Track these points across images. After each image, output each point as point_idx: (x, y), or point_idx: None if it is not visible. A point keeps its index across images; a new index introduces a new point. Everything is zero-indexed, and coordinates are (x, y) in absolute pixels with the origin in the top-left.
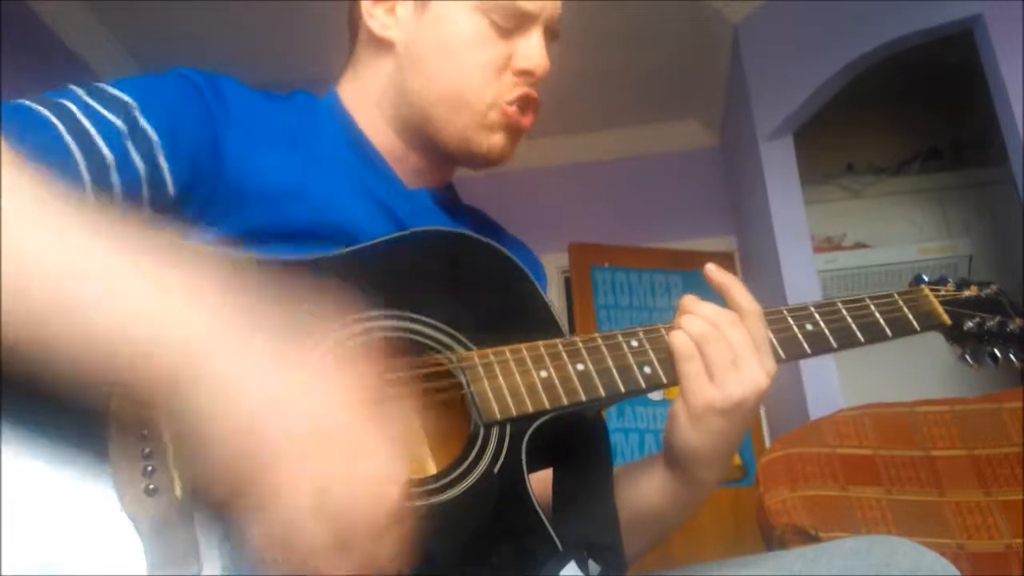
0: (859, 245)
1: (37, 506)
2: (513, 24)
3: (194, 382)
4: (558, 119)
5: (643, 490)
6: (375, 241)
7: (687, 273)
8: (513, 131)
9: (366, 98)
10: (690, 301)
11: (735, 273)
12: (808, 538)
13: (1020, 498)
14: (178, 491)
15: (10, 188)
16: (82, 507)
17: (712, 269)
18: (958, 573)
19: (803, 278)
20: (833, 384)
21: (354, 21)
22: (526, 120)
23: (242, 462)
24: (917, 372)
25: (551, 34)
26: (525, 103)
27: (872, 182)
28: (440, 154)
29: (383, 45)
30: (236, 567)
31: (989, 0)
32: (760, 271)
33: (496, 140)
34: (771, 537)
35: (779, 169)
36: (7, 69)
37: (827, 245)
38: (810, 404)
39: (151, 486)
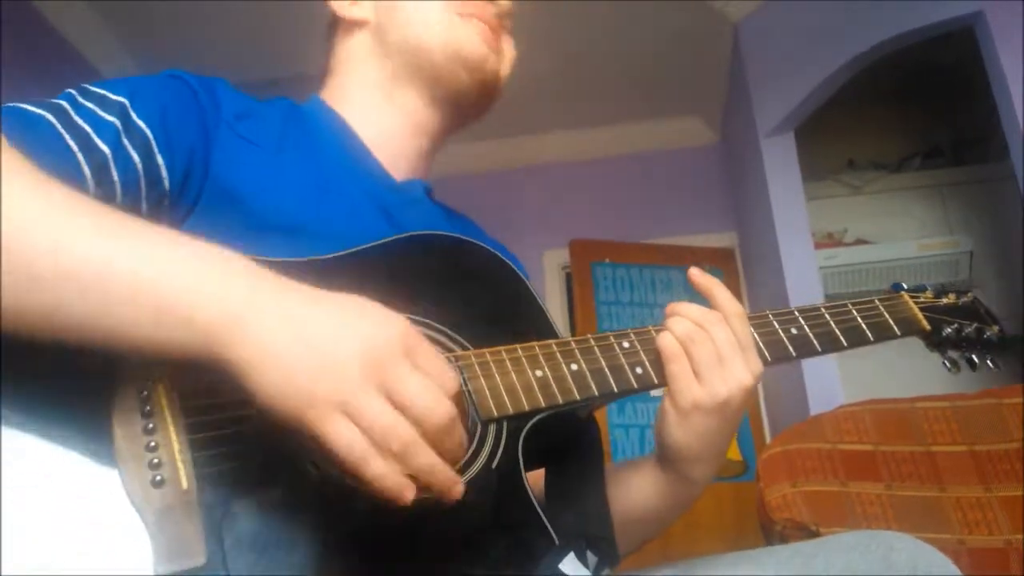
0: (860, 241)
1: (42, 499)
2: None
3: (264, 314)
4: (559, 115)
5: (636, 488)
6: (372, 244)
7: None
8: (488, 42)
9: (351, 88)
10: (677, 304)
11: (737, 269)
12: (809, 533)
13: (1020, 494)
14: (184, 482)
15: (19, 171)
16: (88, 499)
17: (695, 273)
18: (955, 569)
19: (804, 274)
20: (834, 380)
21: (330, 28)
22: (498, 38)
23: (315, 379)
24: (917, 368)
25: None
26: (495, 24)
27: (873, 178)
28: (440, 92)
29: (357, 26)
30: (238, 558)
31: None
32: (761, 267)
33: (470, 36)
34: (772, 532)
35: (780, 165)
36: (8, 67)
37: (828, 241)
38: (811, 400)
39: (157, 477)
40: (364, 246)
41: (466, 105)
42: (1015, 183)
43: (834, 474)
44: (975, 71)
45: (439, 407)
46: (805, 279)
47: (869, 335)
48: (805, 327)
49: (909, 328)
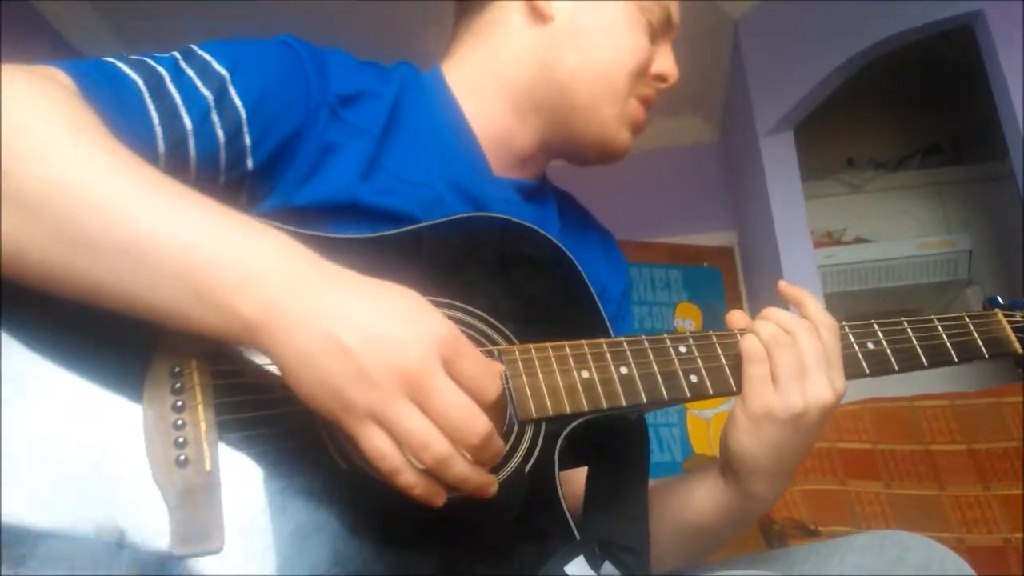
0: (859, 240)
1: (68, 470)
2: (661, 29)
3: (301, 307)
4: None
5: (695, 499)
6: (423, 224)
7: (687, 268)
8: (636, 128)
9: (489, 70)
10: (769, 308)
11: (736, 268)
12: (807, 532)
13: (1019, 492)
14: (207, 464)
15: (88, 130)
16: (112, 474)
17: (784, 285)
18: (969, 569)
19: (803, 273)
20: None
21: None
22: (644, 120)
23: (348, 386)
24: None
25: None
26: (647, 102)
27: (872, 177)
28: (562, 145)
29: (538, 17)
30: (260, 543)
31: None
32: (760, 266)
33: (626, 136)
34: (770, 531)
35: (779, 164)
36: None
37: (827, 240)
38: None
39: (181, 457)
40: (420, 225)
41: (575, 161)
42: (1014, 182)
43: (833, 472)
44: (975, 69)
45: (474, 424)
46: (804, 278)
47: (953, 355)
48: (883, 342)
49: (998, 349)
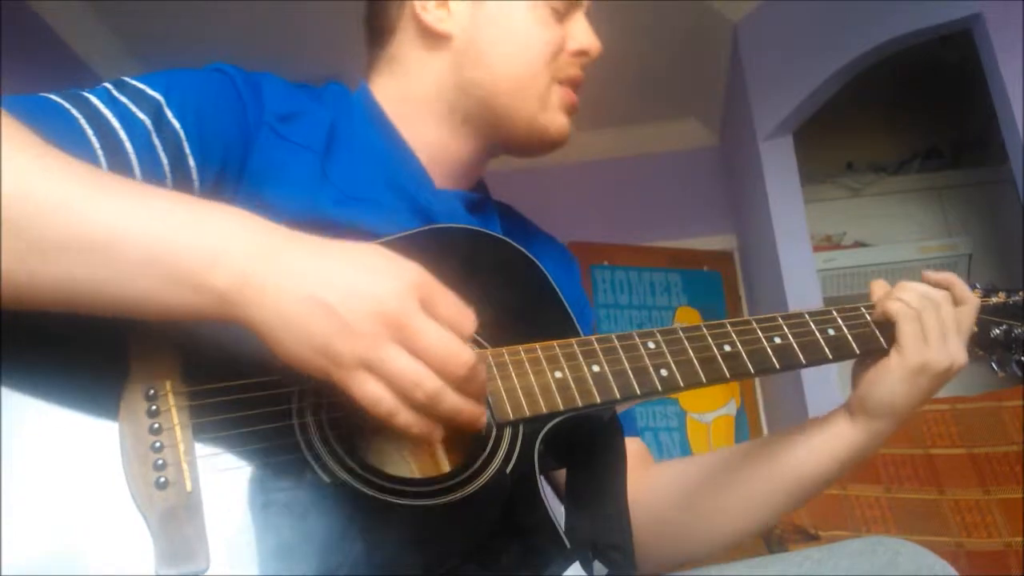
0: (859, 244)
1: (46, 497)
2: (566, 6)
3: (276, 273)
4: None
5: (815, 450)
6: (391, 238)
7: (687, 272)
8: (571, 110)
9: (409, 95)
10: (904, 282)
11: (735, 272)
12: (808, 536)
13: (1019, 496)
14: (188, 484)
15: (23, 141)
16: (92, 499)
17: (930, 273)
18: (956, 574)
19: (803, 277)
20: (832, 382)
21: (382, 19)
22: (576, 99)
23: (333, 340)
24: None
25: (588, 15)
26: (575, 84)
27: (872, 181)
28: (501, 145)
29: (437, 40)
30: (244, 562)
31: (989, 0)
32: (760, 270)
33: (561, 120)
34: (770, 535)
35: (779, 168)
36: (7, 69)
37: (827, 244)
38: (809, 402)
39: (161, 479)
40: (386, 239)
41: (522, 156)
42: (1014, 186)
43: None
44: (974, 72)
45: (459, 355)
46: (804, 282)
47: None
48: (843, 328)
49: None
